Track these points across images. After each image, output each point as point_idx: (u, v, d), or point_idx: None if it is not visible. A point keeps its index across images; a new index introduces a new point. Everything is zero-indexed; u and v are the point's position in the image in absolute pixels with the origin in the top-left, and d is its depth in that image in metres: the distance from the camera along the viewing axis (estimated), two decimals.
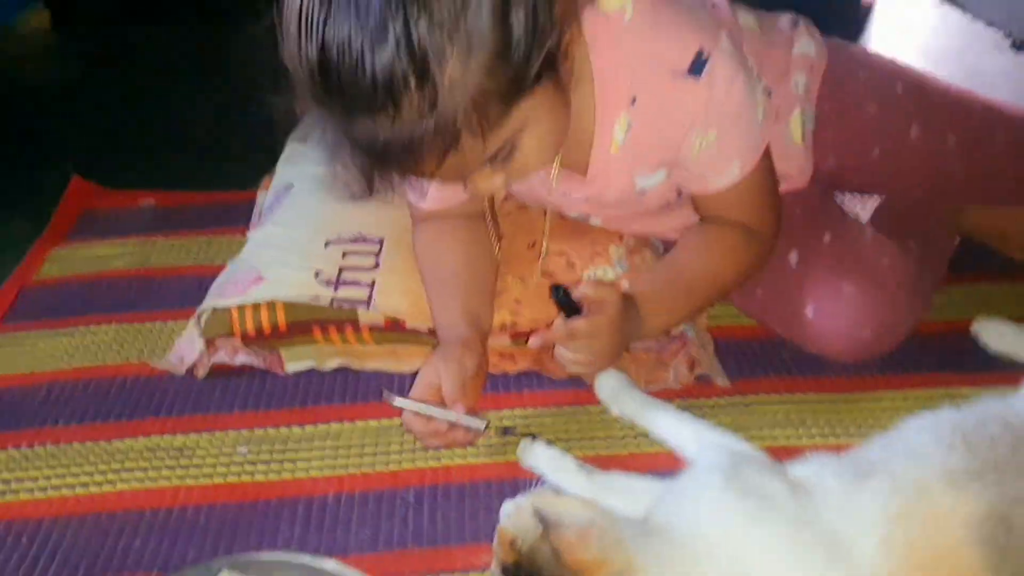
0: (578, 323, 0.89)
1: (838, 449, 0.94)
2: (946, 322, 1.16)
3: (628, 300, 0.94)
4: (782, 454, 0.93)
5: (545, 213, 1.08)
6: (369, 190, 0.80)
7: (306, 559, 0.80)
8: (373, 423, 1.01)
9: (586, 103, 0.92)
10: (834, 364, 1.06)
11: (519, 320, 1.07)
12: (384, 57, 0.70)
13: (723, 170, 0.95)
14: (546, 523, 0.71)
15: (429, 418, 0.91)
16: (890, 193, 1.21)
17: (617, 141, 0.94)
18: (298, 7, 0.73)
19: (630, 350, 1.05)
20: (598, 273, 1.08)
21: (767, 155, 0.97)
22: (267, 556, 0.82)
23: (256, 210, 1.35)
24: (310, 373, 1.08)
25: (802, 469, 0.82)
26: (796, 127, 1.08)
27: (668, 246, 1.13)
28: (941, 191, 1.18)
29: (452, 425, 0.91)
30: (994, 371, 1.06)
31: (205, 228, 1.40)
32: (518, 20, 0.73)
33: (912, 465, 0.78)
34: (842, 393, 1.04)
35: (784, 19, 1.12)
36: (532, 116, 0.80)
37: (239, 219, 1.37)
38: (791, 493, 0.77)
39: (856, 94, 1.11)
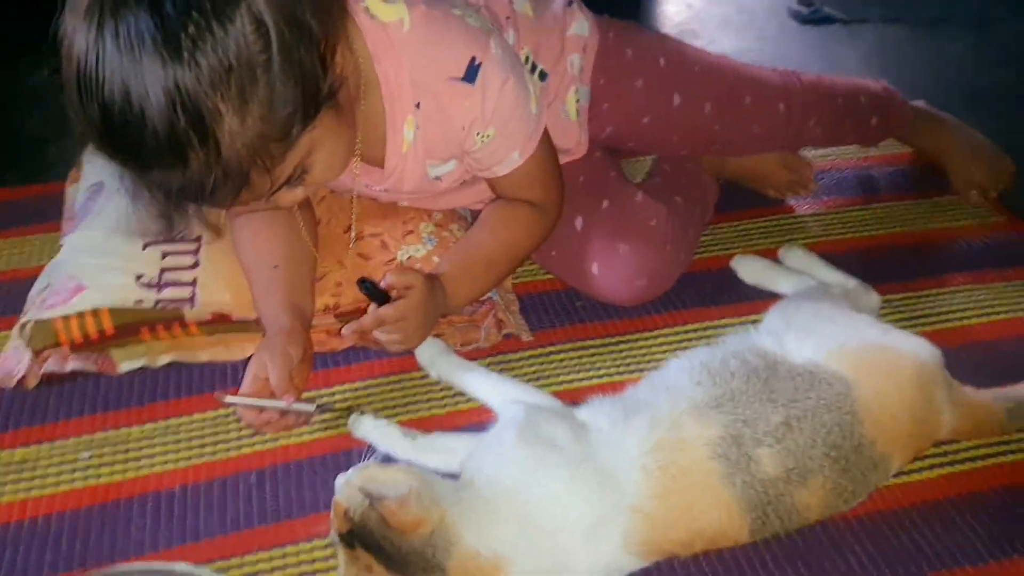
0: (386, 311, 1.00)
1: (623, 385, 1.12)
2: (714, 258, 1.35)
3: (433, 281, 1.05)
4: (577, 396, 1.10)
5: (352, 200, 1.17)
6: (169, 227, 0.87)
7: (157, 566, 0.86)
8: (211, 414, 1.09)
9: (375, 107, 1.00)
10: (619, 309, 1.23)
11: (341, 301, 1.17)
12: (163, 120, 0.76)
13: (504, 159, 1.07)
14: (370, 496, 0.83)
15: (261, 408, 1.00)
16: (661, 153, 1.37)
17: (408, 140, 1.04)
18: (75, 70, 0.77)
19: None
20: (410, 251, 1.19)
21: (545, 139, 1.09)
22: (119, 569, 0.87)
23: (67, 205, 1.35)
24: (143, 372, 1.14)
25: (585, 412, 0.99)
26: (571, 105, 1.21)
27: (476, 215, 1.25)
28: (703, 147, 1.36)
29: (284, 412, 1.01)
30: (751, 300, 1.25)
31: (16, 226, 1.39)
32: (283, 71, 0.80)
33: (668, 401, 0.96)
34: (625, 335, 1.21)
35: (558, 1, 1.23)
36: (317, 141, 0.88)
37: (50, 214, 1.37)
38: (574, 437, 0.93)
39: (625, 70, 1.25)
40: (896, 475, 1.00)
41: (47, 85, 0.81)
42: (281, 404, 0.99)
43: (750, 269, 1.30)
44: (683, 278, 1.27)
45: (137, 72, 0.75)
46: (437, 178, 1.11)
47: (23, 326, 1.12)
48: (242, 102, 0.79)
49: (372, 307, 1.02)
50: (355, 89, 0.98)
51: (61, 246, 1.23)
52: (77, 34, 0.77)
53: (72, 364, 1.12)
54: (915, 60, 1.95)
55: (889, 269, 1.32)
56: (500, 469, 0.90)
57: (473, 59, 0.98)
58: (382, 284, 1.01)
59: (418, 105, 1.01)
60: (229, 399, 1.00)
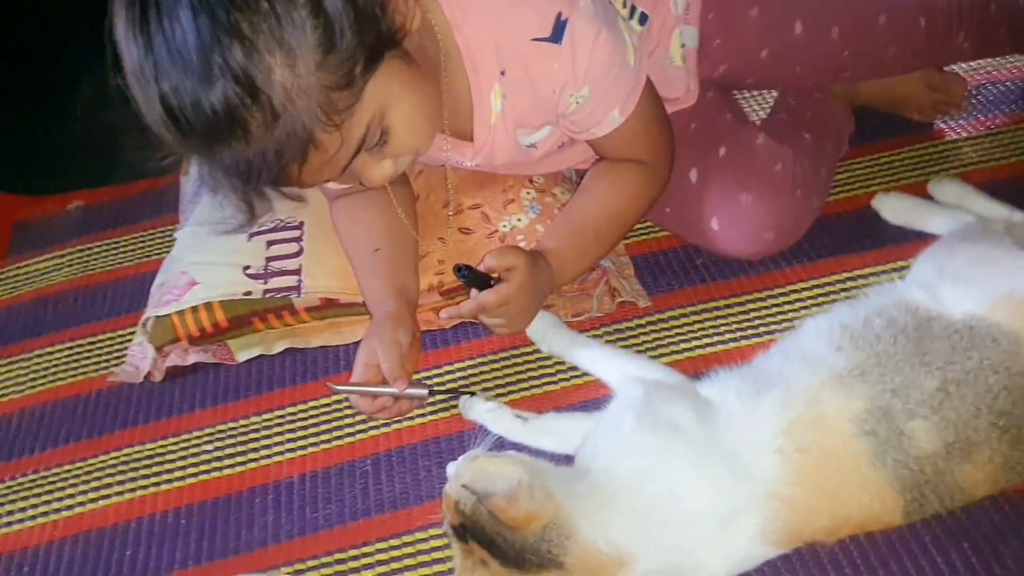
0: (486, 297, 0.95)
1: (752, 351, 1.03)
2: (851, 198, 1.21)
3: (536, 258, 0.99)
4: (701, 365, 1.02)
5: (445, 173, 1.11)
6: (251, 214, 0.84)
7: None
8: (325, 400, 1.08)
9: (459, 78, 0.94)
10: (744, 264, 1.13)
11: (445, 279, 1.12)
12: (216, 92, 0.74)
13: (604, 119, 0.98)
14: (476, 494, 0.79)
15: (375, 396, 0.98)
16: (784, 86, 1.24)
17: (495, 111, 0.96)
18: (131, 69, 0.76)
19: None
20: (512, 222, 1.12)
21: (648, 91, 0.99)
22: None
23: (181, 198, 1.37)
24: (260, 360, 1.14)
25: (709, 388, 0.90)
26: (676, 51, 1.10)
27: (580, 175, 1.17)
28: (832, 77, 1.22)
29: (397, 398, 0.98)
30: (898, 244, 1.11)
31: (138, 222, 1.42)
32: (336, 11, 0.75)
33: (804, 373, 0.86)
34: (752, 293, 1.11)
35: None
36: (388, 97, 0.82)
37: (168, 207, 1.40)
38: (698, 418, 0.85)
39: (736, 1, 1.12)
40: None
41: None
42: (394, 391, 0.97)
43: (895, 207, 1.16)
44: (816, 224, 1.14)
45: (182, 52, 0.73)
46: (531, 146, 1.04)
47: (145, 323, 1.15)
48: (290, 52, 0.74)
49: (473, 292, 0.97)
50: (435, 55, 0.91)
51: (175, 240, 1.25)
52: (119, 23, 0.76)
53: (193, 357, 1.14)
54: None
55: None
56: (619, 458, 0.83)
57: (559, 15, 0.89)
58: (481, 267, 0.96)
59: (503, 72, 0.93)
60: (341, 387, 0.98)
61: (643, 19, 1.07)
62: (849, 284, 1.09)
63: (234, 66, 0.73)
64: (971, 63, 1.36)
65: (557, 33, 0.90)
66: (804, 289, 1.10)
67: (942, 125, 1.30)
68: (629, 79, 0.96)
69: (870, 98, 1.29)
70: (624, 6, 1.06)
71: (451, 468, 0.88)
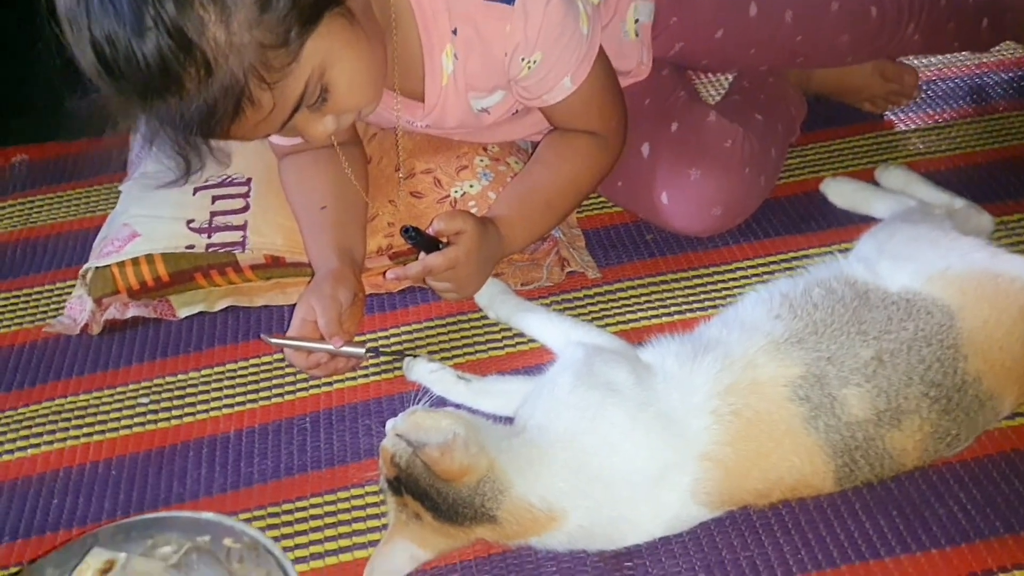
0: (434, 259, 0.94)
1: (696, 323, 1.03)
2: (801, 182, 1.23)
3: (486, 225, 0.99)
4: (645, 335, 1.02)
5: (396, 134, 1.10)
6: (186, 167, 0.83)
7: (184, 515, 0.80)
8: (266, 358, 1.07)
9: (411, 37, 0.93)
10: (693, 240, 1.14)
11: (394, 242, 1.12)
12: (149, 44, 0.73)
13: (555, 86, 0.98)
14: (411, 444, 0.79)
15: (309, 352, 0.96)
16: (738, 69, 1.25)
17: (447, 71, 0.96)
18: (64, 14, 0.75)
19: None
20: (465, 188, 1.12)
21: (601, 61, 1.00)
22: (145, 517, 0.80)
23: (131, 154, 1.34)
24: (201, 317, 1.12)
25: (649, 353, 0.91)
26: (631, 24, 1.11)
27: (536, 145, 1.17)
28: (785, 61, 1.23)
29: (333, 356, 0.97)
30: (842, 226, 1.13)
31: (84, 178, 1.40)
32: None
33: (742, 338, 0.87)
34: (699, 268, 1.12)
35: None
36: (328, 56, 0.82)
37: (117, 165, 1.36)
38: (636, 380, 0.86)
39: None
40: (1009, 417, 0.89)
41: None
42: (329, 347, 0.96)
43: (841, 191, 1.18)
44: (766, 205, 1.16)
45: (118, 1, 0.72)
46: (483, 111, 1.04)
47: (84, 274, 1.13)
48: (223, 5, 0.74)
49: (421, 255, 0.96)
50: (384, 13, 0.90)
51: (119, 193, 1.23)
52: None
53: (132, 311, 1.12)
54: None
55: (1004, 187, 1.17)
56: (554, 415, 0.84)
57: None
58: (430, 230, 0.96)
59: (455, 32, 0.93)
60: (275, 340, 0.97)
61: None
62: (794, 263, 1.11)
63: (167, 19, 0.73)
64: (922, 60, 1.39)
65: None
66: (750, 266, 1.11)
67: (892, 117, 1.33)
68: (581, 46, 0.97)
69: (824, 87, 1.31)
70: None
71: (389, 424, 0.87)
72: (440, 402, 0.95)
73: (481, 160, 1.14)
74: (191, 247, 1.10)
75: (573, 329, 0.99)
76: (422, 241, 0.96)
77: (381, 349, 1.03)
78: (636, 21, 1.11)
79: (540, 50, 0.93)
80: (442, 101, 1.00)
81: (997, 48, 1.36)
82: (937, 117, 1.32)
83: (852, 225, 1.13)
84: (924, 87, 1.36)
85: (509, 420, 0.92)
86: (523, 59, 0.94)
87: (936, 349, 0.83)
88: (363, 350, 0.98)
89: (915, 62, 1.36)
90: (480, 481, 0.79)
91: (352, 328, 0.99)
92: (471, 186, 1.12)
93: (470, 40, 0.93)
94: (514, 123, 1.11)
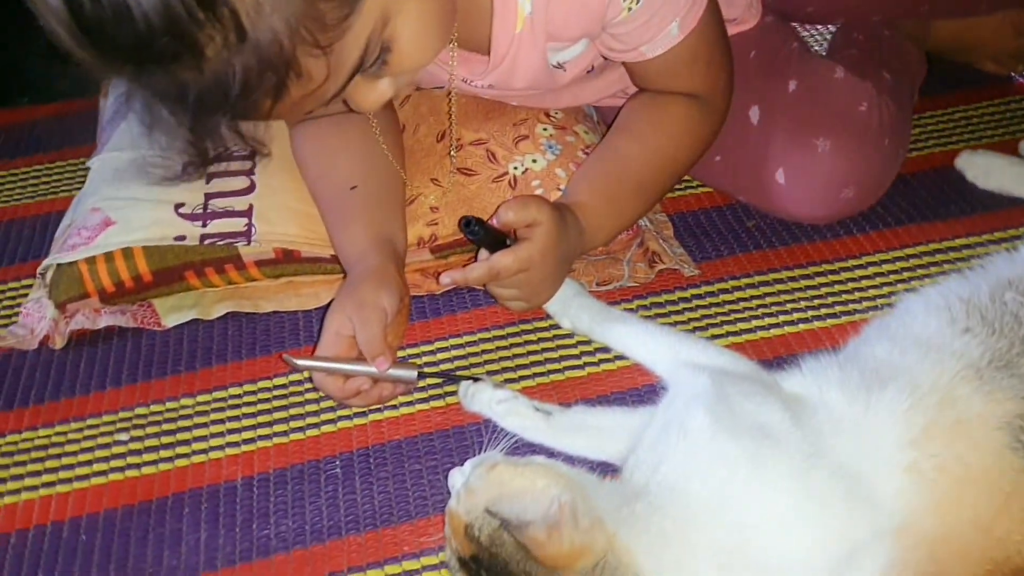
0: (502, 260, 0.74)
1: (828, 333, 0.83)
2: (926, 156, 1.02)
3: (565, 213, 0.77)
4: (766, 349, 0.82)
5: (449, 96, 0.87)
6: (202, 158, 0.61)
7: None
8: (281, 380, 0.84)
9: None
10: (807, 229, 0.92)
11: (439, 231, 0.89)
12: None
13: (659, 34, 0.77)
14: (505, 523, 0.56)
15: (347, 376, 0.74)
16: (853, 16, 1.03)
17: (523, 14, 0.74)
18: None
19: None
20: (527, 163, 0.89)
21: (711, 4, 0.78)
22: None
23: (100, 121, 1.10)
24: (194, 326, 0.89)
25: (798, 381, 0.69)
26: None
27: (604, 116, 0.95)
28: (905, 8, 1.02)
29: (376, 380, 0.75)
30: (990, 211, 0.93)
31: (44, 151, 1.16)
32: None
33: (926, 362, 0.65)
34: (822, 263, 0.90)
35: None
36: (392, 4, 0.60)
37: (80, 136, 1.13)
38: (792, 420, 0.64)
39: None
40: None
41: None
42: (372, 371, 0.73)
43: (984, 169, 0.97)
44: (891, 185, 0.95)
45: None
46: (559, 66, 0.81)
47: (43, 273, 0.89)
48: None
49: (483, 253, 0.75)
50: None
51: (88, 169, 0.99)
52: None
53: (106, 319, 0.88)
54: None
55: None
56: (689, 472, 0.61)
57: None
58: (494, 221, 0.74)
59: None
60: (303, 362, 0.74)
61: None
62: (939, 257, 0.90)
63: None
64: None
65: None
66: (886, 260, 0.90)
67: (1022, 79, 1.11)
68: None
69: (943, 42, 1.09)
70: None
71: (455, 476, 0.66)
72: (514, 441, 0.73)
73: (544, 129, 0.91)
74: (181, 238, 0.87)
75: (682, 345, 0.77)
76: (486, 236, 0.75)
77: (433, 371, 0.81)
78: None
79: None
80: (513, 53, 0.77)
81: None
82: None
83: (1001, 209, 0.93)
84: None
85: (607, 467, 0.71)
86: None
87: None
88: (415, 373, 0.75)
89: None
90: (596, 567, 0.57)
91: (396, 343, 0.77)
92: (534, 161, 0.90)
93: None
94: (585, 84, 0.89)
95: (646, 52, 0.79)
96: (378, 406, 0.80)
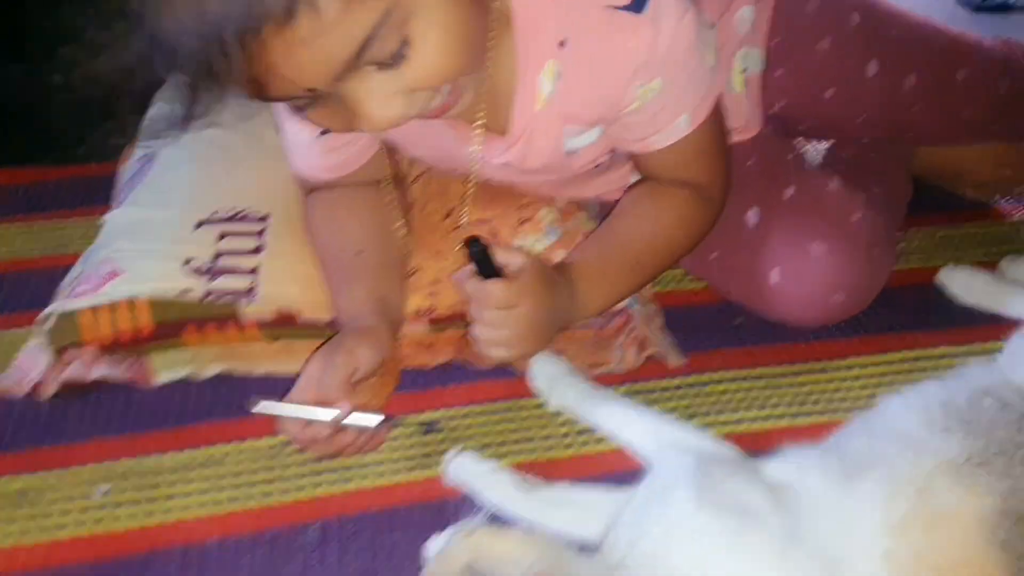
0: (494, 286, 0.75)
1: (810, 431, 0.83)
2: (910, 271, 1.05)
3: (559, 271, 0.80)
4: (748, 442, 0.82)
5: (468, 179, 0.89)
6: (192, 104, 0.63)
7: None
8: (265, 441, 0.84)
9: (505, 53, 0.75)
10: (793, 330, 0.94)
11: (437, 304, 0.91)
12: None
13: (668, 126, 0.80)
14: None
15: (309, 422, 0.74)
16: (843, 136, 1.08)
17: (543, 95, 0.78)
18: None
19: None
20: (528, 244, 0.92)
21: (718, 104, 0.82)
22: None
23: (118, 183, 1.14)
24: (184, 384, 0.89)
25: (780, 468, 0.70)
26: (737, 75, 0.94)
27: (604, 208, 0.99)
28: (893, 133, 1.07)
29: (339, 429, 0.75)
30: (972, 325, 0.96)
31: (57, 208, 1.18)
32: None
33: (906, 456, 0.66)
34: (806, 363, 0.92)
35: None
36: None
37: (99, 198, 1.16)
38: (774, 503, 0.64)
39: (807, 26, 0.97)
40: None
41: None
42: (331, 413, 0.73)
43: (966, 285, 1.00)
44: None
45: None
46: (573, 152, 0.85)
47: (44, 320, 0.90)
48: None
49: (475, 279, 0.77)
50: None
51: (102, 226, 1.01)
52: None
53: (99, 370, 0.88)
54: None
55: None
56: (670, 543, 0.61)
57: None
58: (496, 257, 0.77)
59: (563, 44, 0.75)
60: (263, 407, 0.74)
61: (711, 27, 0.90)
62: (920, 364, 0.92)
63: None
64: None
65: (637, 1, 0.72)
66: (869, 364, 0.92)
67: (1005, 205, 1.16)
68: (706, 80, 0.79)
69: (926, 166, 1.14)
70: None
71: (433, 547, 0.65)
72: (492, 513, 0.72)
73: (547, 213, 0.95)
74: (186, 291, 0.88)
75: (667, 428, 0.78)
76: (485, 263, 0.76)
77: (399, 421, 0.81)
78: (744, 71, 0.94)
79: (661, 76, 0.76)
80: (530, 131, 0.81)
81: None
82: None
83: (983, 324, 0.95)
84: None
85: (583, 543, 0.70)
86: (641, 85, 0.76)
87: None
88: (377, 421, 0.75)
89: None
90: None
91: (377, 404, 0.78)
92: (535, 242, 0.93)
93: (580, 55, 0.75)
94: (590, 178, 0.93)
95: (654, 143, 0.82)
96: (358, 474, 0.79)
